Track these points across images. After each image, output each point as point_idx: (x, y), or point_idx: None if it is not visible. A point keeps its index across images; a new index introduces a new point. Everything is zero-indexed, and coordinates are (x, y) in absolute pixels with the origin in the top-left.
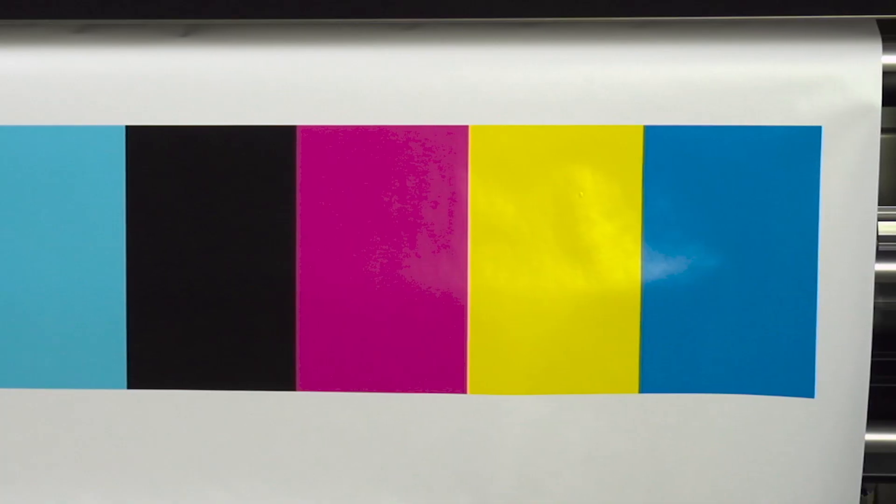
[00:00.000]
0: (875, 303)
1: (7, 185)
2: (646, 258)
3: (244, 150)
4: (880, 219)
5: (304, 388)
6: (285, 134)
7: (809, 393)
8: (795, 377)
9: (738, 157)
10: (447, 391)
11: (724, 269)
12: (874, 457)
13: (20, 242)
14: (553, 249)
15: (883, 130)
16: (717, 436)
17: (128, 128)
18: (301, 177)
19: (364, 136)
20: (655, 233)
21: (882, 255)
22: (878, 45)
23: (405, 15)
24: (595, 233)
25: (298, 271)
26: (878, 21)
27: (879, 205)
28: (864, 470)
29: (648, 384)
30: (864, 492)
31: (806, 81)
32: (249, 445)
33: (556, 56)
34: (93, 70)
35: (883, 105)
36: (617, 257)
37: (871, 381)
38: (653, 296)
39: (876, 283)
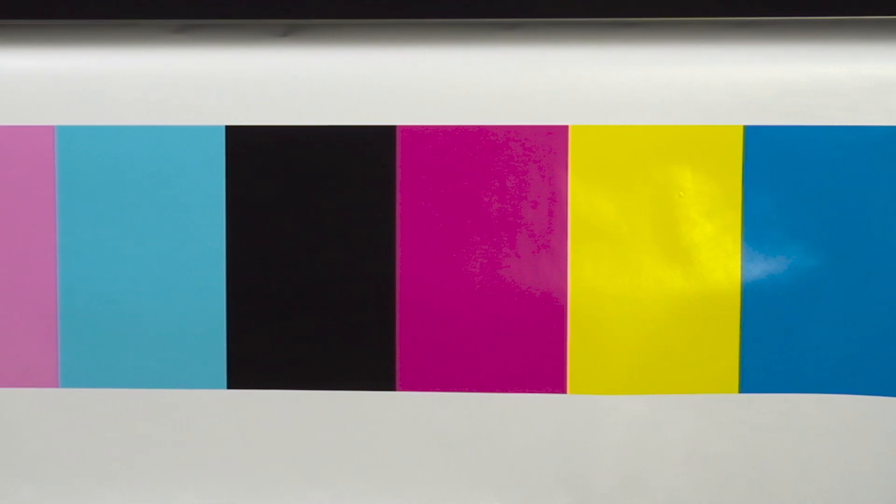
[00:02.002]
0: None
1: (109, 184)
2: (746, 258)
3: (344, 150)
4: None
5: (404, 388)
6: (385, 134)
7: None
8: (895, 377)
9: (839, 157)
10: (547, 391)
11: (824, 269)
12: None
13: (122, 243)
14: (653, 249)
15: None
16: (816, 435)
17: (228, 128)
18: (401, 177)
19: (464, 135)
20: (755, 233)
21: None
22: None
23: (506, 15)
24: (695, 233)
25: (398, 271)
26: None
27: None
28: None
29: (748, 384)
30: None
31: None
32: (349, 445)
33: (657, 56)
34: (193, 70)
35: None
36: (717, 257)
37: None
38: (753, 295)
39: None
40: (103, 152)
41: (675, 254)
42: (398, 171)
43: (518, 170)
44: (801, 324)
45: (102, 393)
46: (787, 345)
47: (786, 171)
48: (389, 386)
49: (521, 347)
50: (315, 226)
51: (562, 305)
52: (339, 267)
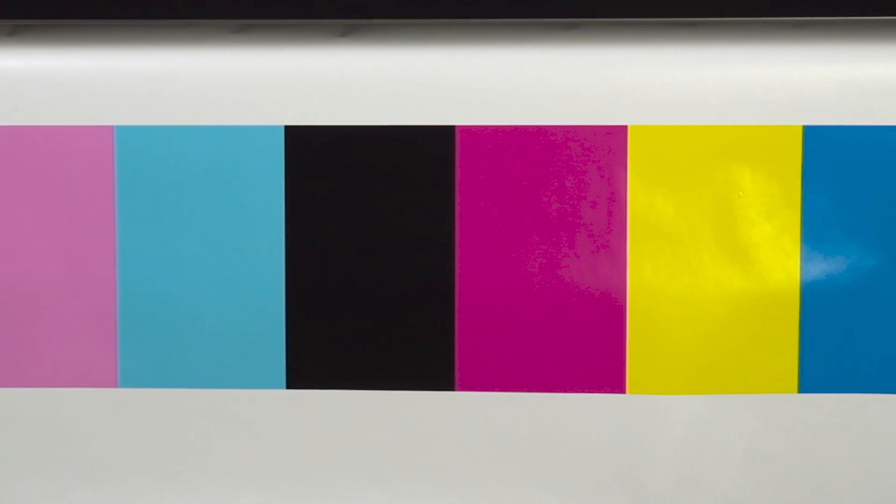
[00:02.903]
0: None
1: (168, 185)
2: (805, 258)
3: (403, 150)
4: None
5: (463, 388)
6: (445, 134)
7: None
8: None
9: None
10: (606, 391)
11: (883, 269)
12: None
13: (181, 243)
14: (712, 249)
15: None
16: (875, 436)
17: (287, 128)
18: (460, 177)
19: (523, 136)
20: (814, 232)
21: None
22: None
23: (565, 15)
24: (754, 233)
25: (457, 271)
26: None
27: None
28: None
29: (807, 384)
30: None
31: None
32: (408, 446)
33: (716, 56)
34: (252, 70)
35: None
36: (776, 257)
37: None
38: (812, 295)
39: None
40: (162, 152)
41: (734, 254)
42: (457, 171)
43: (577, 170)
44: (860, 323)
45: (161, 393)
46: (846, 344)
47: (845, 170)
48: (448, 386)
49: (581, 347)
50: (374, 226)
51: (621, 305)
52: (398, 267)
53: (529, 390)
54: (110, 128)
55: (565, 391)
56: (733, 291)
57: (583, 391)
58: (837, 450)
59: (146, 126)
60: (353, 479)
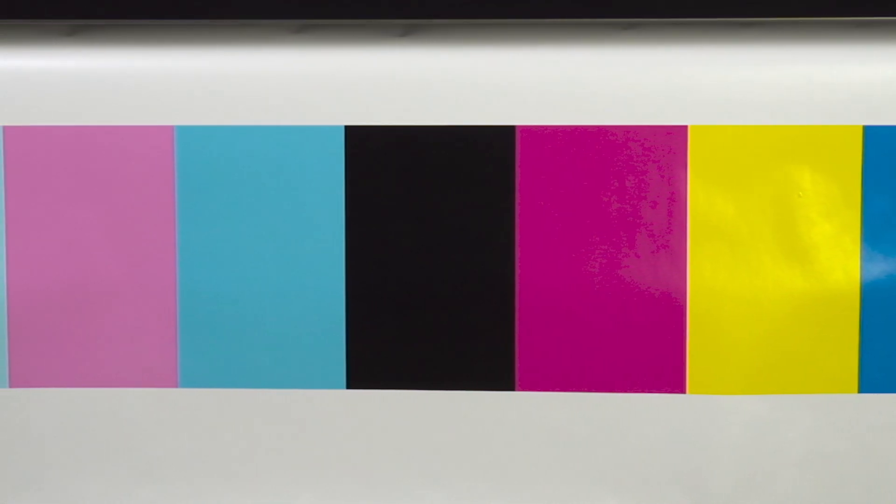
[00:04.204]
0: None
1: (228, 184)
2: (865, 258)
3: (463, 150)
4: None
5: (524, 389)
6: (505, 134)
7: None
8: None
9: None
10: (666, 391)
11: None
12: None
13: (241, 243)
14: (772, 249)
15: None
16: None
17: (347, 128)
18: (520, 177)
19: (583, 136)
20: (874, 232)
21: None
22: None
23: (625, 15)
24: (814, 233)
25: (518, 271)
26: None
27: None
28: None
29: (867, 384)
30: None
31: None
32: (468, 446)
33: (776, 56)
34: (312, 70)
35: None
36: (836, 257)
37: None
38: (872, 295)
39: None
40: (222, 152)
41: (794, 254)
42: (517, 171)
43: (637, 170)
44: None
45: (221, 393)
46: None
47: None
48: (508, 386)
49: (641, 347)
50: (434, 225)
51: (681, 305)
52: (459, 267)
53: (589, 390)
54: (170, 128)
55: (625, 391)
56: (793, 291)
57: (643, 391)
58: None
59: (206, 126)
60: (412, 479)
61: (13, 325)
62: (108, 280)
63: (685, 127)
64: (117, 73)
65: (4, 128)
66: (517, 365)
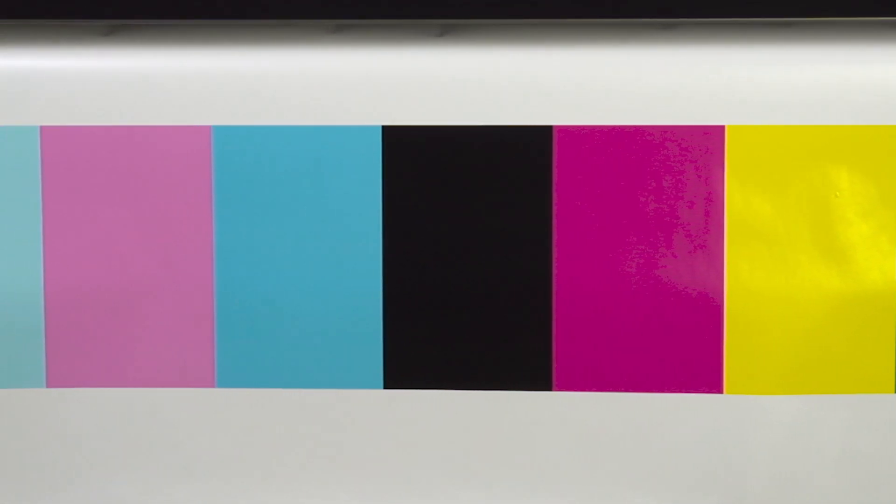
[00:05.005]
0: None
1: (265, 184)
2: None
3: (500, 150)
4: None
5: (561, 389)
6: (542, 134)
7: None
8: None
9: None
10: (703, 391)
11: None
12: None
13: (278, 243)
14: (809, 249)
15: None
16: None
17: (384, 128)
18: (557, 177)
19: (620, 136)
20: None
21: None
22: None
23: (662, 15)
24: (851, 233)
25: (555, 271)
26: None
27: None
28: None
29: None
30: None
31: None
32: (505, 445)
33: (813, 56)
34: (349, 70)
35: None
36: (873, 257)
37: None
38: None
39: None
40: (260, 152)
41: (831, 254)
42: (554, 171)
43: (674, 170)
44: None
45: (258, 393)
46: None
47: None
48: (546, 386)
49: (678, 347)
50: (471, 225)
51: (718, 305)
52: (496, 267)
53: (627, 390)
54: (207, 128)
55: (662, 391)
56: (830, 291)
57: (680, 391)
58: None
59: (243, 126)
60: (449, 479)
61: (50, 325)
62: (145, 280)
63: (722, 127)
64: (155, 73)
65: (42, 128)
66: (554, 365)
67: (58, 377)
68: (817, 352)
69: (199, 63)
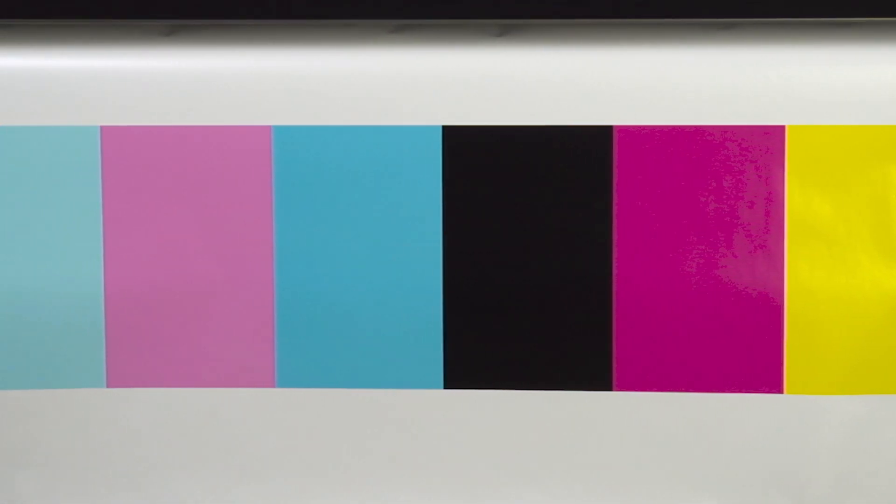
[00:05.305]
0: None
1: (325, 184)
2: None
3: (560, 150)
4: None
5: (621, 388)
6: (602, 134)
7: None
8: None
9: None
10: (764, 391)
11: None
12: None
13: (338, 242)
14: (870, 249)
15: None
16: None
17: (444, 128)
18: (617, 177)
19: (680, 135)
20: None
21: None
22: None
23: (722, 15)
24: None
25: (615, 271)
26: None
27: None
28: None
29: None
30: None
31: None
32: (565, 446)
33: (873, 56)
34: (409, 70)
35: None
36: None
37: None
38: None
39: None
40: (320, 152)
41: (891, 253)
42: (615, 171)
43: (734, 170)
44: None
45: (319, 393)
46: None
47: None
48: (606, 386)
49: (738, 347)
50: (531, 226)
51: (778, 305)
52: (556, 267)
53: (687, 390)
54: (268, 128)
55: (723, 391)
56: (891, 291)
57: (740, 391)
58: None
59: (304, 126)
60: (509, 479)
61: (111, 325)
62: (205, 280)
63: (783, 127)
64: (215, 73)
65: (102, 128)
66: (614, 365)
67: (118, 377)
68: (878, 352)
69: (259, 63)
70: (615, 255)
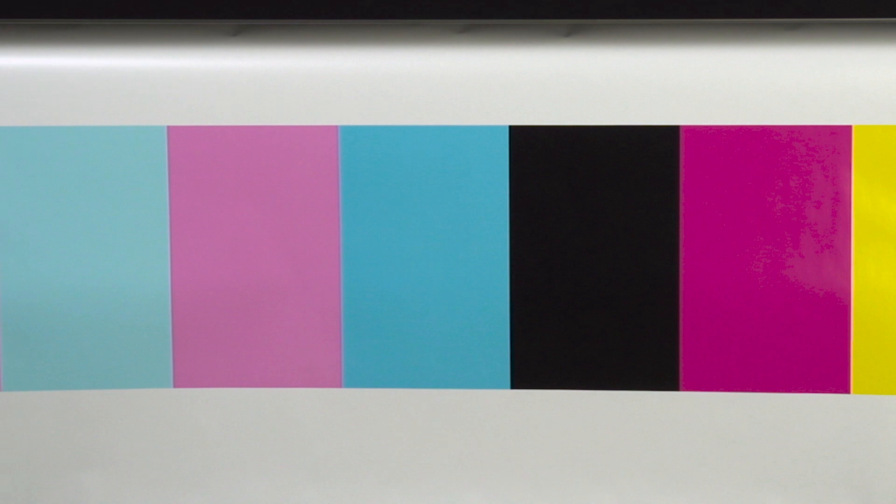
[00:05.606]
0: None
1: (392, 184)
2: None
3: (628, 150)
4: None
5: (688, 388)
6: (669, 134)
7: None
8: None
9: None
10: (830, 391)
11: None
12: None
13: (405, 242)
14: None
15: None
16: None
17: (511, 128)
18: (684, 177)
19: (747, 135)
20: None
21: None
22: None
23: (789, 15)
24: None
25: (682, 271)
26: None
27: None
28: None
29: None
30: None
31: None
32: (632, 445)
33: None
34: (477, 70)
35: None
36: None
37: None
38: None
39: None
40: (387, 152)
41: None
42: (682, 171)
43: (801, 170)
44: None
45: (385, 393)
46: None
47: None
48: (673, 386)
49: (805, 347)
50: (598, 225)
51: (845, 305)
52: (622, 266)
53: (753, 390)
54: (335, 128)
55: (790, 391)
56: None
57: (807, 391)
58: None
59: (371, 126)
60: (577, 478)
61: (177, 325)
62: (272, 280)
63: (849, 127)
64: (282, 73)
65: (169, 128)
66: (681, 365)
67: (185, 377)
68: None
69: (326, 63)
70: (682, 255)
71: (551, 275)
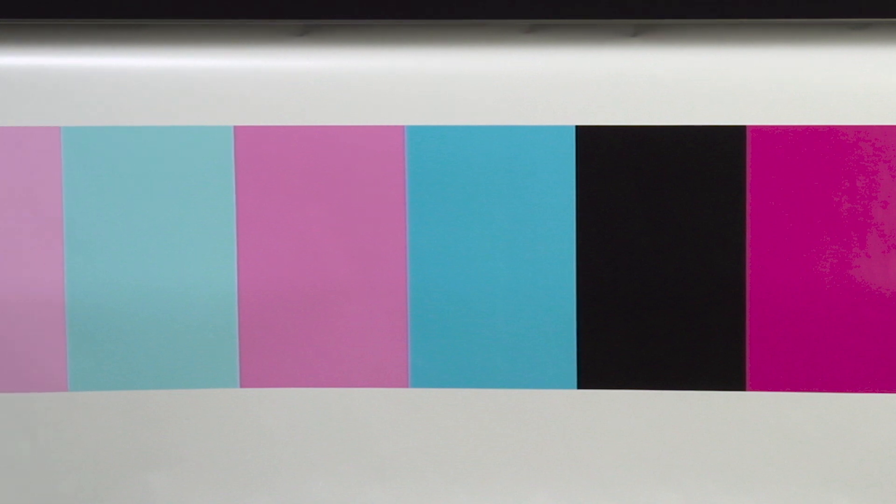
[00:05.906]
0: None
1: (458, 184)
2: None
3: (694, 150)
4: None
5: (754, 388)
6: (736, 134)
7: None
8: None
9: None
10: None
11: None
12: None
13: (471, 242)
14: None
15: None
16: None
17: (577, 128)
18: (751, 177)
19: (814, 135)
20: None
21: None
22: None
23: (855, 15)
24: None
25: (748, 271)
26: None
27: None
28: None
29: None
30: None
31: None
32: (699, 445)
33: None
34: (543, 70)
35: None
36: None
37: None
38: None
39: None
40: (453, 152)
41: None
42: (748, 171)
43: (868, 170)
44: None
45: (452, 393)
46: None
47: None
48: (739, 386)
49: (872, 347)
50: (664, 226)
51: None
52: (689, 267)
53: (820, 390)
54: (401, 128)
55: (857, 391)
56: None
57: (873, 391)
58: None
59: (437, 126)
60: (644, 479)
61: (244, 325)
62: (338, 280)
63: None
64: (348, 73)
65: (236, 128)
66: (748, 365)
67: (251, 377)
68: None
69: (392, 63)
70: (748, 255)
71: (617, 275)
